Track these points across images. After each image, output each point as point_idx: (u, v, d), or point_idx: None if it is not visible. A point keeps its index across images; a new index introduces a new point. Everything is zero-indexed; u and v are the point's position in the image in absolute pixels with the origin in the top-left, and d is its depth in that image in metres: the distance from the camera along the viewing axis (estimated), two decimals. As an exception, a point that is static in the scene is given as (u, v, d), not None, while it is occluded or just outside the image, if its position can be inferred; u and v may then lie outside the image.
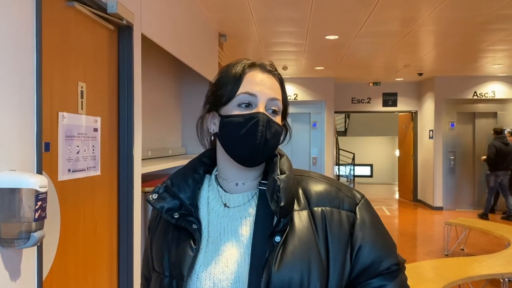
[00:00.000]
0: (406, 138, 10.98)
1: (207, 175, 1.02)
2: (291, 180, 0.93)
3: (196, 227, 0.92)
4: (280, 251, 0.87)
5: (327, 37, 5.64)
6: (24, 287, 1.50)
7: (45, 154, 1.69)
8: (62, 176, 1.84)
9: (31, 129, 1.55)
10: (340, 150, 14.14)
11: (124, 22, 2.29)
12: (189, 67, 4.00)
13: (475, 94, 9.40)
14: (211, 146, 1.03)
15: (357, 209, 0.96)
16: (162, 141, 4.49)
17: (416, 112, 10.38)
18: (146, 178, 3.36)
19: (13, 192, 1.38)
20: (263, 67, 0.97)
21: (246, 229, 0.93)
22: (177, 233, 0.94)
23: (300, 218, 0.92)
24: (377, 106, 10.30)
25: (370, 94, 10.26)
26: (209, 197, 0.99)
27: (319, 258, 0.89)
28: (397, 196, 11.84)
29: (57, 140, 1.80)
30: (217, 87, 0.97)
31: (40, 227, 1.43)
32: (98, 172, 2.16)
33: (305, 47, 6.29)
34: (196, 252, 0.91)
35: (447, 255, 5.89)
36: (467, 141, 9.57)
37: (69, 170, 1.90)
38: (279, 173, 0.93)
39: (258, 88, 0.93)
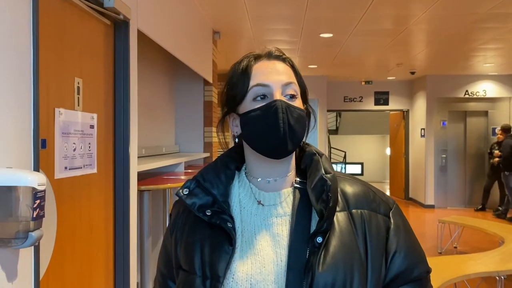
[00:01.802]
0: (398, 137, 11.02)
1: (236, 172, 0.99)
2: (336, 180, 0.91)
3: (231, 225, 0.88)
4: (323, 252, 0.85)
5: (321, 35, 5.63)
6: (21, 288, 1.45)
7: (41, 151, 1.64)
8: (59, 174, 1.79)
9: (28, 125, 1.50)
10: (331, 149, 14.17)
11: (121, 17, 2.24)
12: (182, 64, 3.96)
13: (467, 93, 9.45)
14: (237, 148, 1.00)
15: (391, 214, 0.94)
16: (156, 139, 4.44)
17: (407, 111, 10.42)
18: (140, 177, 3.31)
19: (10, 191, 1.33)
20: (269, 55, 0.94)
21: (282, 229, 0.90)
22: (209, 231, 0.90)
23: (340, 219, 0.89)
24: (369, 104, 10.33)
25: (362, 92, 10.28)
26: (240, 194, 0.95)
27: (360, 261, 0.87)
28: (388, 194, 11.86)
29: (53, 137, 1.75)
30: (228, 88, 0.95)
31: (38, 226, 1.39)
32: (95, 170, 2.12)
33: (299, 45, 6.27)
34: (233, 252, 0.87)
35: (440, 253, 5.91)
36: (458, 139, 9.63)
37: (65, 167, 1.85)
38: (324, 172, 0.91)
39: (269, 77, 0.90)
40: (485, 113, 9.58)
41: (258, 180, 0.95)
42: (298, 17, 4.82)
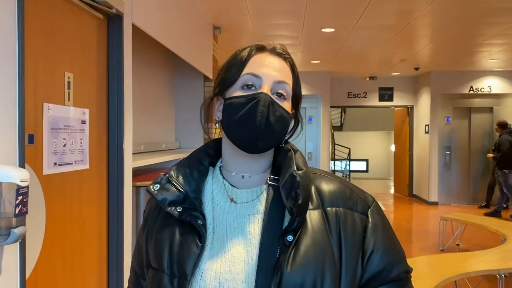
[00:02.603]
0: (402, 133, 10.95)
1: (211, 168, 0.96)
2: (308, 177, 0.88)
3: (201, 222, 0.86)
4: (293, 251, 0.82)
5: (323, 30, 5.57)
6: (6, 286, 1.43)
7: (28, 146, 1.62)
8: (48, 169, 1.77)
9: (13, 120, 1.48)
10: (335, 145, 14.11)
11: (114, 10, 2.21)
12: (182, 59, 3.92)
13: (471, 89, 9.36)
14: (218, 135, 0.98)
15: (369, 212, 0.92)
16: (155, 135, 4.42)
17: (412, 107, 10.34)
18: (139, 173, 3.29)
19: (-7, 187, 1.31)
20: (272, 50, 0.92)
21: (254, 227, 0.87)
22: (179, 228, 0.88)
23: (313, 217, 0.87)
24: (373, 100, 10.26)
25: (366, 88, 10.21)
26: (213, 191, 0.92)
27: (333, 260, 0.84)
28: (392, 191, 11.82)
29: (42, 133, 1.73)
30: (223, 71, 0.93)
31: (21, 223, 1.37)
32: (87, 166, 2.10)
33: (301, 40, 6.22)
34: (202, 250, 0.85)
35: (442, 250, 5.87)
36: (462, 136, 9.54)
37: (55, 163, 1.83)
38: (295, 168, 0.88)
39: (263, 69, 0.88)
40: (490, 110, 9.49)
41: (233, 174, 0.92)
42: (299, 12, 4.77)
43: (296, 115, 0.95)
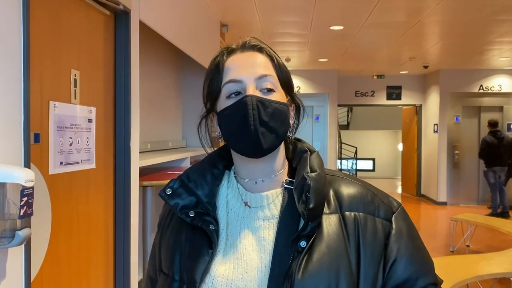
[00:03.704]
0: (410, 132, 10.84)
1: (226, 171, 0.92)
2: (323, 180, 0.83)
3: (213, 228, 0.83)
4: (305, 257, 0.77)
5: (331, 27, 5.50)
6: (10, 289, 1.39)
7: (34, 146, 1.58)
8: (54, 169, 1.73)
9: (18, 119, 1.44)
10: (342, 144, 14.03)
11: (121, 7, 2.17)
12: (189, 57, 3.88)
13: (481, 88, 9.24)
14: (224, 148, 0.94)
15: (393, 218, 0.85)
16: (162, 134, 4.38)
17: (420, 106, 10.23)
18: (145, 172, 3.25)
19: (-3, 187, 1.27)
20: (243, 46, 0.87)
21: (268, 233, 0.83)
22: (191, 233, 0.85)
23: (330, 222, 0.82)
24: (381, 99, 10.16)
25: (374, 87, 10.11)
26: (228, 195, 0.88)
27: (349, 269, 0.78)
28: (399, 190, 11.72)
29: (48, 131, 1.69)
30: (205, 86, 0.89)
31: (26, 225, 1.32)
32: (93, 165, 2.05)
33: (309, 38, 6.16)
34: (212, 256, 0.81)
35: (452, 251, 5.79)
36: (472, 135, 9.42)
37: (61, 163, 1.79)
38: (309, 170, 0.83)
39: (241, 71, 0.83)
40: (500, 109, 9.36)
41: (245, 181, 0.88)
42: (308, 9, 4.71)
43: (293, 100, 0.90)
